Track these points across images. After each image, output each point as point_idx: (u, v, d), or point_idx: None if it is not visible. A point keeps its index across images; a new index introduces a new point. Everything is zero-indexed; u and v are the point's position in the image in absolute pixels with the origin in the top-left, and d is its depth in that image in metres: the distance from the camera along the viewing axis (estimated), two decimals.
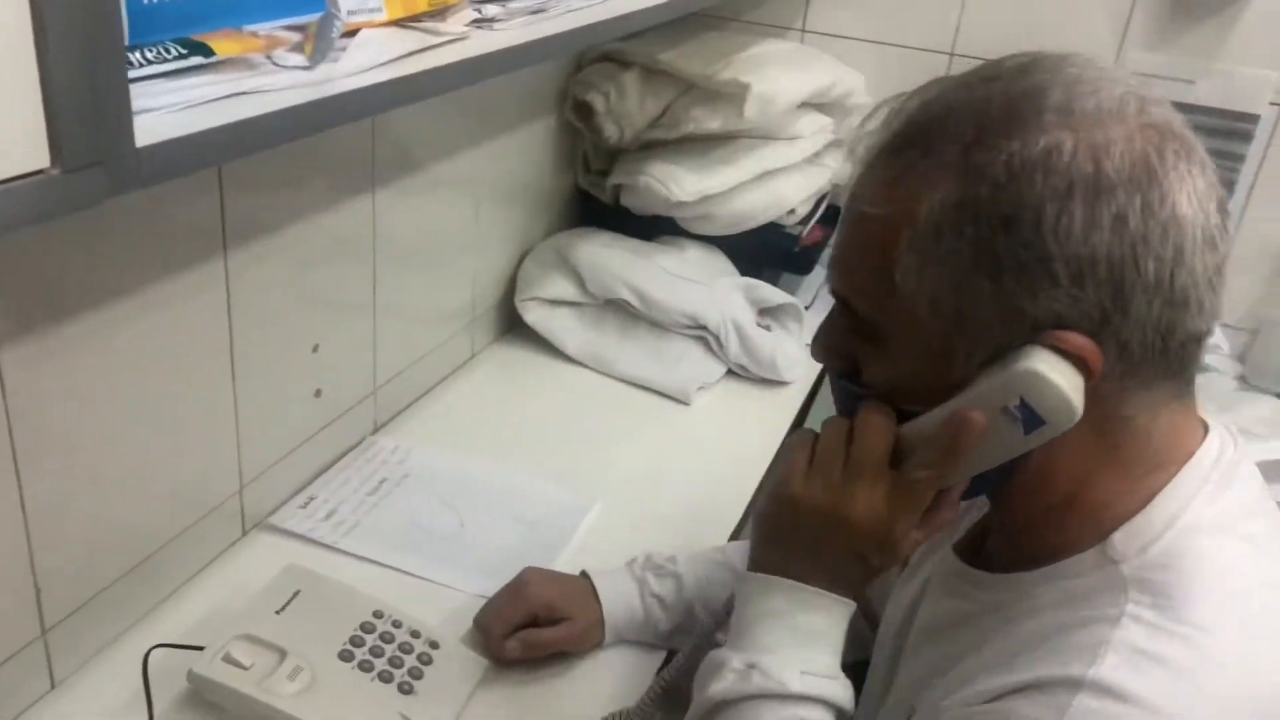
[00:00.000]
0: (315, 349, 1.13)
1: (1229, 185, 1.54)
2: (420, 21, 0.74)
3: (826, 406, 1.50)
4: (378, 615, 0.95)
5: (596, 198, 1.69)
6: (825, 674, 0.70)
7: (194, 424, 0.98)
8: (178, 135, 0.51)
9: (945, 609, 0.76)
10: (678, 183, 1.54)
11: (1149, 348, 0.61)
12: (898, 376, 0.69)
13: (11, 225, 0.42)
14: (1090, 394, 0.61)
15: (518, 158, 1.51)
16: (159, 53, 0.55)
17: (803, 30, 1.83)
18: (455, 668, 0.94)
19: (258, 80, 0.59)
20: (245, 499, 1.08)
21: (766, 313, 1.58)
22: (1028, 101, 0.61)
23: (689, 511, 1.24)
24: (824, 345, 0.74)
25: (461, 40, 0.76)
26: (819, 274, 1.91)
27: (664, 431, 1.41)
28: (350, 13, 0.66)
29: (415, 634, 0.95)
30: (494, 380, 1.48)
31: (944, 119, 0.63)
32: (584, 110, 1.58)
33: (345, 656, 0.90)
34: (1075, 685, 0.57)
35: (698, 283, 1.53)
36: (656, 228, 1.64)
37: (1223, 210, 0.62)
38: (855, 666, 0.77)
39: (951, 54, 1.75)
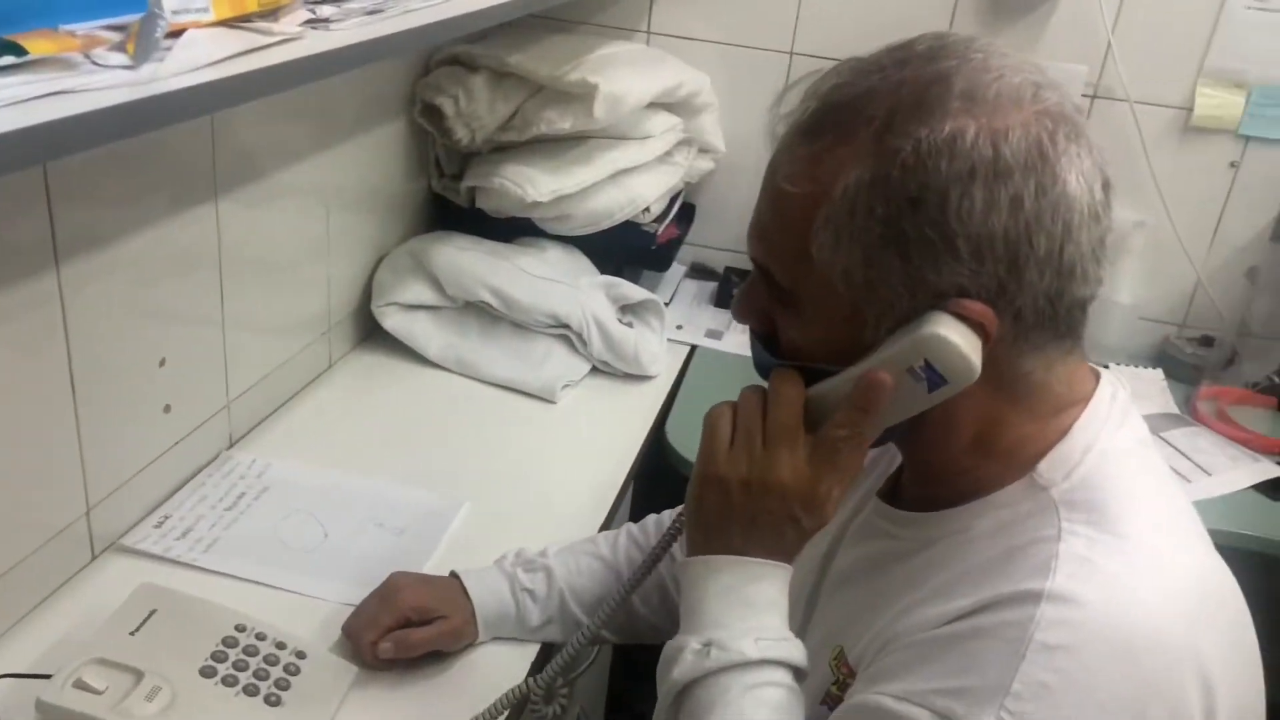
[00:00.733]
0: (162, 363, 1.10)
1: None
2: (250, 22, 0.73)
3: (691, 398, 1.54)
4: (240, 629, 0.93)
5: (452, 201, 1.69)
6: (778, 637, 0.72)
7: (31, 446, 0.94)
8: None
9: (869, 550, 0.81)
10: (532, 183, 1.56)
11: (1040, 313, 0.67)
12: (811, 339, 0.73)
13: None
14: (988, 355, 0.67)
15: (367, 163, 1.50)
16: None
17: (648, 32, 1.87)
18: (325, 676, 0.93)
19: (77, 79, 0.57)
20: (93, 521, 1.04)
21: (628, 309, 1.61)
22: (936, 87, 0.65)
23: (559, 507, 1.25)
24: (743, 308, 0.78)
25: (294, 40, 0.76)
26: (677, 270, 1.95)
27: (531, 430, 1.42)
28: (174, 12, 0.65)
29: (281, 645, 0.93)
30: (354, 388, 1.47)
31: (858, 102, 0.67)
32: (433, 114, 1.58)
33: (207, 672, 0.88)
34: (1035, 598, 0.63)
35: (558, 282, 1.55)
36: (514, 229, 1.65)
37: (1106, 187, 0.68)
38: None
39: (791, 53, 1.82)
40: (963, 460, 0.73)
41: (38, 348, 0.93)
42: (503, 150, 1.63)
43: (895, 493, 0.83)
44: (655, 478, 1.48)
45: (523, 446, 1.38)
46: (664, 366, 1.60)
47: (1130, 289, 1.77)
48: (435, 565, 1.11)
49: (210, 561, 1.08)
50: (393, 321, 1.53)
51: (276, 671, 0.91)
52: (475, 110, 1.56)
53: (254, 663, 0.90)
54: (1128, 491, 0.69)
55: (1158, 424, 1.60)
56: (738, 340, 1.76)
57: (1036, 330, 0.68)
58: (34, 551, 0.98)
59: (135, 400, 1.08)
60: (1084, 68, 1.71)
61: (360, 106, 1.44)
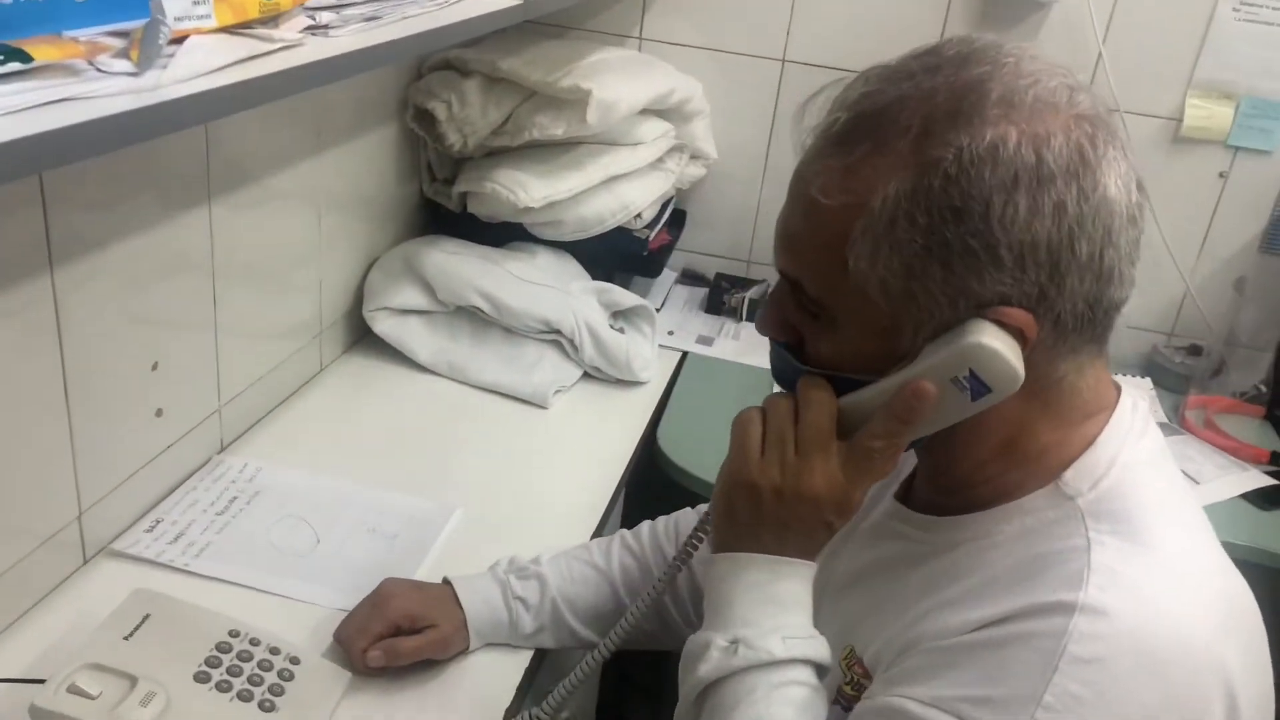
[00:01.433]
0: (155, 367, 1.10)
1: None
2: (251, 28, 0.73)
3: (682, 404, 1.54)
4: (234, 634, 0.92)
5: (444, 206, 1.69)
6: (805, 635, 0.72)
7: (23, 450, 0.94)
8: None
9: (884, 552, 0.81)
10: (524, 189, 1.56)
11: (1079, 318, 0.67)
12: (845, 350, 0.72)
13: None
14: (1025, 360, 0.67)
15: (360, 167, 1.50)
16: None
17: (640, 38, 1.87)
18: (318, 682, 0.93)
19: (83, 86, 0.57)
20: (85, 525, 1.04)
21: (619, 315, 1.61)
22: (972, 94, 0.64)
23: (551, 513, 1.26)
24: (771, 320, 0.77)
25: (295, 47, 0.76)
26: (669, 276, 1.96)
27: (522, 436, 1.42)
28: (177, 19, 0.65)
29: (275, 651, 0.93)
30: (345, 393, 1.46)
31: (891, 111, 0.66)
32: (425, 119, 1.58)
33: (201, 678, 0.88)
34: (1069, 609, 0.63)
35: (550, 287, 1.55)
36: (506, 234, 1.65)
37: (1141, 189, 0.68)
38: None
39: (783, 60, 1.83)
40: (988, 467, 0.73)
41: (31, 351, 0.92)
42: (495, 155, 1.64)
43: (908, 495, 0.83)
44: (647, 483, 1.48)
45: (514, 452, 1.38)
46: (655, 372, 1.60)
47: None
48: (427, 571, 1.11)
49: (202, 566, 1.07)
50: (384, 326, 1.52)
51: (270, 677, 0.90)
52: (468, 115, 1.56)
53: (248, 668, 0.90)
54: (1152, 503, 0.70)
55: None
56: (729, 346, 1.77)
57: (1074, 335, 0.68)
58: (26, 556, 0.97)
59: (127, 404, 1.08)
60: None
61: (353, 111, 1.44)
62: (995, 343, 0.66)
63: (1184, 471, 1.49)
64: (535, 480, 1.33)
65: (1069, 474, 0.71)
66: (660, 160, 1.76)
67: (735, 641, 0.71)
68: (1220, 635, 0.65)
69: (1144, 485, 0.71)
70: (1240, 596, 0.71)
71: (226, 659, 0.90)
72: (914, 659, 0.69)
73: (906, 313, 0.68)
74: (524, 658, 1.02)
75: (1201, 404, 1.71)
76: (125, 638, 0.88)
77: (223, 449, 1.28)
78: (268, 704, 0.88)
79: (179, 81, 0.63)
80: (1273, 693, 0.71)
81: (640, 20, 1.86)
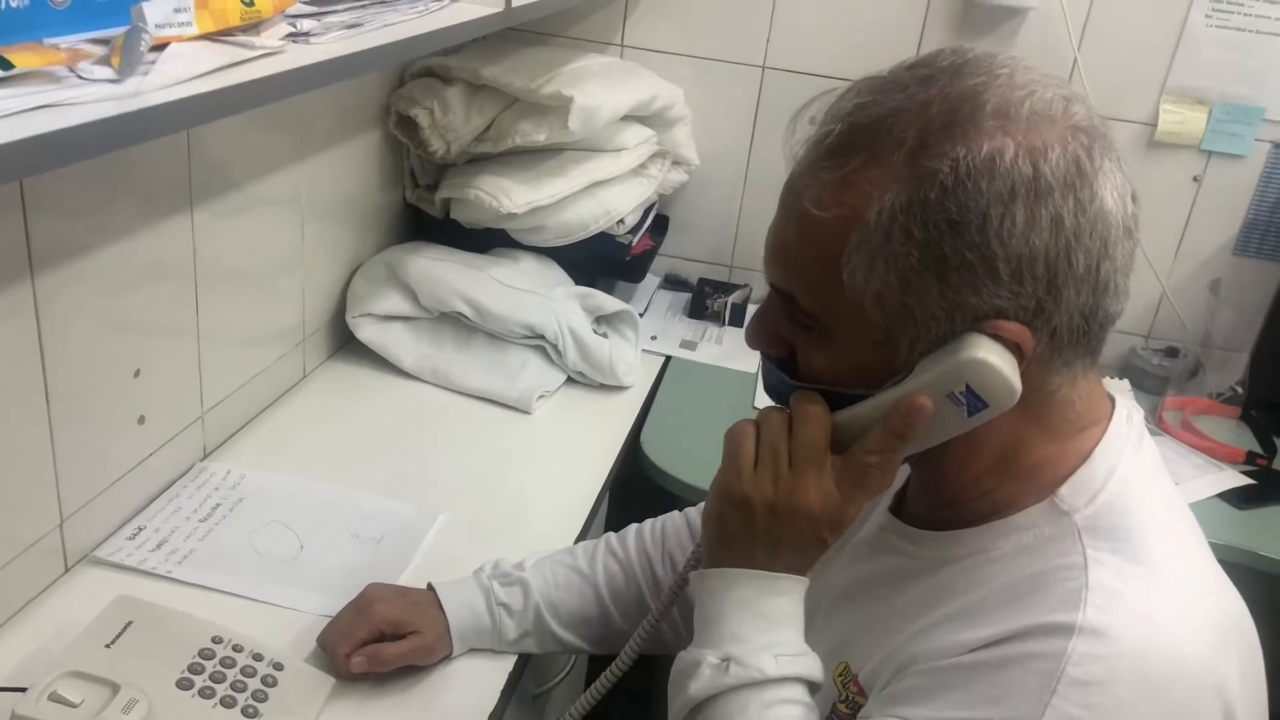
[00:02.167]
0: (137, 374, 1.10)
1: None
2: (233, 35, 0.74)
3: (665, 408, 1.55)
4: (217, 641, 0.92)
5: (427, 212, 1.69)
6: (796, 652, 0.72)
7: (3, 457, 0.94)
8: None
9: (878, 567, 0.80)
10: (507, 195, 1.56)
11: (1074, 331, 0.67)
12: (838, 364, 0.71)
13: None
14: (1020, 374, 0.66)
15: (342, 174, 1.50)
16: None
17: (621, 45, 1.88)
18: (301, 688, 0.93)
19: (63, 93, 0.58)
20: (66, 533, 1.04)
21: (603, 320, 1.62)
22: (967, 105, 0.64)
23: (535, 517, 1.26)
24: (761, 333, 0.76)
25: (276, 54, 0.76)
26: (651, 281, 1.97)
27: (506, 441, 1.43)
28: (159, 26, 0.65)
29: (258, 657, 0.93)
30: (329, 399, 1.46)
31: (886, 123, 0.65)
32: (408, 125, 1.58)
33: (184, 685, 0.87)
34: (1067, 631, 0.62)
35: (533, 293, 1.55)
36: (489, 240, 1.65)
37: (1135, 200, 0.67)
38: None
39: (763, 67, 1.84)
40: (983, 482, 0.73)
41: (11, 358, 0.92)
42: (477, 162, 1.64)
43: (900, 508, 0.82)
44: (631, 487, 1.49)
45: (498, 457, 1.38)
46: (639, 377, 1.61)
47: None
48: (411, 575, 1.11)
49: (185, 573, 1.07)
50: (367, 332, 1.52)
51: (254, 683, 0.90)
52: (450, 122, 1.57)
53: (231, 674, 0.90)
54: (1149, 519, 0.69)
55: None
56: (712, 351, 1.78)
57: (1069, 348, 0.68)
58: (6, 564, 0.97)
59: (109, 411, 1.08)
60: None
61: (335, 118, 1.45)
62: (992, 358, 0.65)
63: None
64: (519, 485, 1.33)
65: (1065, 489, 0.70)
66: (643, 166, 1.76)
67: (727, 659, 0.71)
68: (1218, 653, 0.65)
69: (1141, 501, 0.70)
70: (1236, 612, 0.70)
71: (209, 666, 0.90)
72: (911, 679, 0.68)
73: (902, 326, 0.67)
74: (508, 663, 1.02)
75: (1179, 405, 1.73)
76: (107, 645, 0.88)
77: (206, 456, 1.27)
78: (251, 710, 0.88)
79: (160, 88, 0.63)
80: (1266, 701, 0.71)
81: (622, 27, 1.87)
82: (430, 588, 1.02)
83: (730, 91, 1.86)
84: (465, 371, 1.51)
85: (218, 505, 1.18)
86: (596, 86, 1.58)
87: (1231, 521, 1.46)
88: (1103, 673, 0.61)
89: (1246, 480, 1.53)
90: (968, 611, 0.68)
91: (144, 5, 0.64)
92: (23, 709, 0.80)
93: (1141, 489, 0.71)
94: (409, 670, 0.98)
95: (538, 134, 1.56)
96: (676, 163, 1.87)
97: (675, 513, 1.10)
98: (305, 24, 0.83)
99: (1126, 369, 1.85)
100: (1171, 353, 1.84)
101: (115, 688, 0.83)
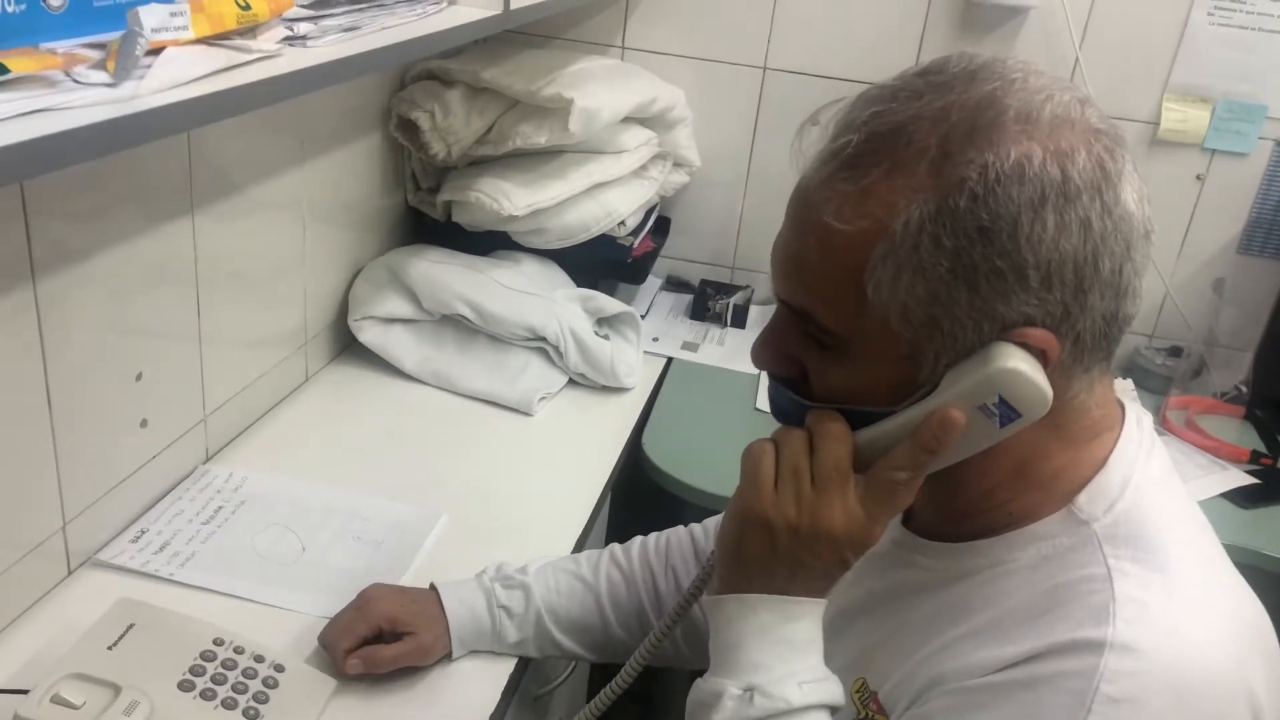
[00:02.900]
0: (139, 378, 1.10)
1: None
2: (229, 39, 0.74)
3: (667, 410, 1.55)
4: (218, 643, 0.93)
5: (428, 215, 1.69)
6: (819, 677, 0.70)
7: (6, 461, 0.94)
8: None
9: (893, 580, 0.79)
10: (508, 197, 1.56)
11: (1096, 335, 0.66)
12: (859, 381, 0.69)
13: None
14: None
15: (344, 177, 1.50)
16: None
17: (622, 47, 1.88)
18: (302, 689, 0.93)
19: (59, 97, 0.58)
20: (69, 536, 1.04)
21: (604, 322, 1.62)
22: (988, 111, 0.63)
23: (536, 519, 1.26)
24: (770, 353, 0.74)
25: (273, 58, 0.76)
26: (653, 283, 1.97)
27: (508, 443, 1.43)
28: (154, 30, 0.65)
29: (259, 659, 0.93)
30: (331, 402, 1.47)
31: (905, 131, 0.64)
32: (409, 128, 1.59)
33: (186, 687, 0.88)
34: (1098, 647, 0.62)
35: (534, 295, 1.56)
36: (490, 243, 1.66)
37: (1150, 202, 0.66)
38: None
39: (764, 68, 1.84)
40: (1000, 493, 0.71)
41: (13, 362, 0.93)
42: (479, 164, 1.64)
43: (909, 519, 0.81)
44: (632, 489, 1.49)
45: (500, 459, 1.39)
46: (640, 379, 1.61)
47: None
48: (412, 577, 1.11)
49: (187, 575, 1.07)
50: (369, 335, 1.53)
51: (255, 684, 0.91)
52: (451, 125, 1.57)
53: (232, 676, 0.90)
54: (1167, 527, 0.69)
55: None
56: (714, 352, 1.78)
57: (1090, 353, 0.67)
58: (10, 567, 0.97)
59: (111, 414, 1.08)
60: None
61: (336, 121, 1.45)
62: (1024, 366, 0.64)
63: None
64: (520, 486, 1.33)
65: (1082, 498, 0.69)
66: (644, 168, 1.77)
67: (750, 689, 0.69)
68: (1244, 660, 0.64)
69: (1158, 507, 0.69)
70: (1257, 617, 0.70)
71: (211, 667, 0.90)
72: (939, 699, 0.67)
73: (928, 339, 0.65)
74: (509, 664, 1.02)
75: (1182, 405, 1.72)
76: (109, 647, 0.88)
77: (208, 459, 1.28)
78: (252, 712, 0.88)
79: (155, 92, 0.63)
80: None
81: (622, 29, 1.87)
82: (432, 588, 1.02)
83: (731, 93, 1.86)
84: (467, 374, 1.52)
85: (220, 508, 1.19)
86: (597, 88, 1.59)
87: (1236, 521, 1.45)
88: (1136, 689, 0.61)
89: (1251, 480, 1.53)
90: (991, 627, 0.67)
91: (140, 10, 0.64)
92: (25, 711, 0.81)
93: (1158, 495, 0.70)
94: (410, 671, 0.98)
95: (538, 136, 1.56)
96: (678, 164, 1.88)
97: (680, 527, 1.09)
98: (302, 27, 0.83)
99: (1130, 368, 1.85)
100: (1175, 352, 1.84)
101: (117, 690, 0.84)
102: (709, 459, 1.43)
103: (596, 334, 1.57)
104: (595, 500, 1.32)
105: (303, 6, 0.86)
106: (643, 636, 1.01)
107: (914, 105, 0.65)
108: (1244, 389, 1.77)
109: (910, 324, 0.65)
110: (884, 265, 0.64)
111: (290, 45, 0.80)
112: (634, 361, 1.60)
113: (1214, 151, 1.76)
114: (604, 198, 1.67)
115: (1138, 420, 0.74)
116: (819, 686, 0.70)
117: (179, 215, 1.12)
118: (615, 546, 1.09)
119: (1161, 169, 1.77)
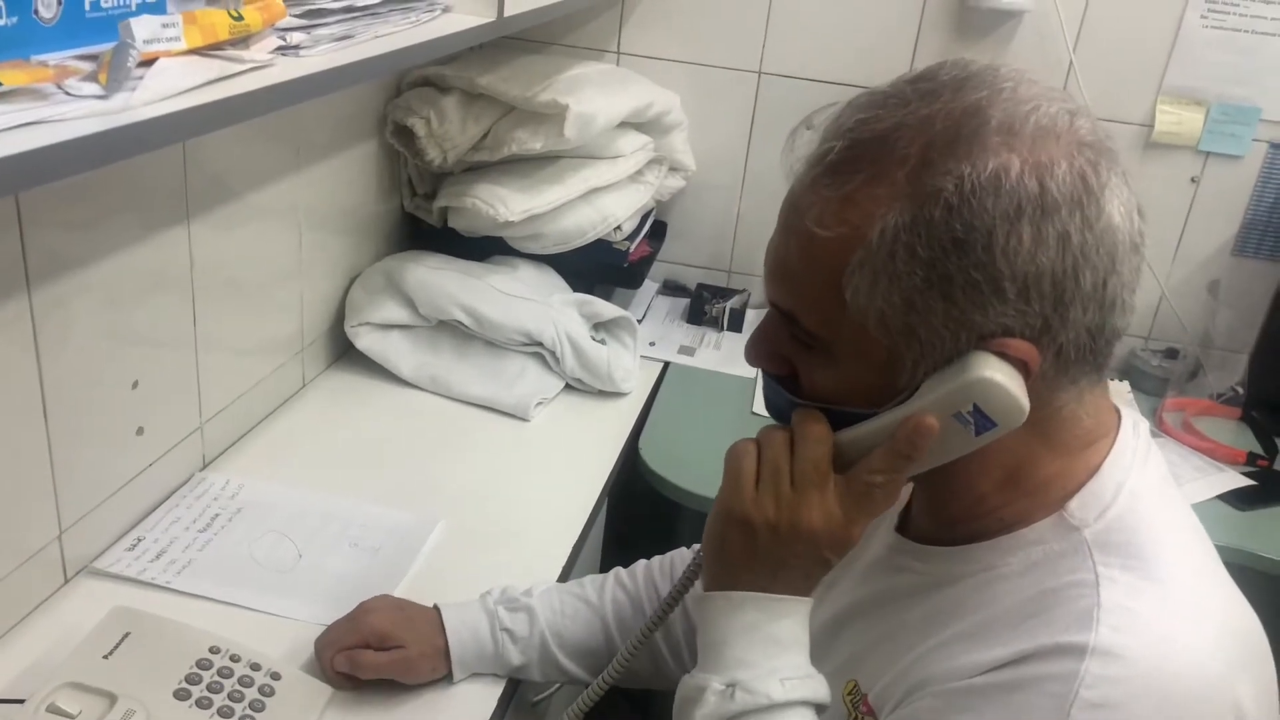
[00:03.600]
0: (135, 385, 1.10)
1: None
2: (221, 50, 0.74)
3: (664, 415, 1.55)
4: (214, 650, 0.93)
5: (424, 221, 1.70)
6: (803, 675, 0.71)
7: (2, 469, 0.94)
8: None
9: (885, 584, 0.79)
10: (504, 203, 1.57)
11: (1081, 348, 0.66)
12: (841, 384, 0.70)
13: None
14: (1027, 392, 0.66)
15: (340, 184, 1.51)
16: None
17: (618, 52, 1.88)
18: (298, 697, 0.93)
19: (51, 109, 0.58)
20: (65, 544, 1.04)
21: (601, 327, 1.62)
22: (971, 121, 0.63)
23: (534, 525, 1.26)
24: (761, 351, 0.75)
25: (265, 68, 0.77)
26: (650, 287, 1.97)
27: (505, 448, 1.43)
28: (146, 41, 0.65)
29: (255, 666, 0.93)
30: (328, 408, 1.47)
31: (888, 139, 0.64)
32: (405, 135, 1.59)
33: (181, 695, 0.88)
34: (1080, 652, 0.62)
35: (531, 300, 1.56)
36: (487, 248, 1.66)
37: (1141, 215, 0.66)
38: None
39: (759, 72, 1.84)
40: (990, 499, 0.72)
41: (9, 370, 0.93)
42: (475, 170, 1.65)
43: (904, 524, 0.82)
44: (629, 493, 1.49)
45: (497, 464, 1.39)
46: (637, 383, 1.61)
47: None
48: (409, 583, 1.12)
49: (184, 583, 1.07)
50: (366, 341, 1.53)
51: (251, 693, 0.91)
52: (447, 131, 1.57)
53: (228, 684, 0.90)
54: (1160, 534, 0.68)
55: None
56: (711, 356, 1.78)
57: (1076, 365, 0.67)
58: (5, 575, 0.97)
59: (108, 423, 1.08)
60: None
61: (332, 128, 1.45)
62: (1000, 377, 0.64)
63: None
64: (518, 492, 1.33)
65: (1074, 504, 0.69)
66: (639, 173, 1.77)
67: (732, 685, 0.70)
68: (1232, 670, 0.64)
69: (1151, 515, 0.69)
70: (1248, 626, 0.70)
71: (207, 675, 0.90)
72: (924, 700, 0.67)
73: (906, 346, 0.66)
74: (502, 681, 1.01)
75: (1179, 406, 1.72)
76: (105, 656, 0.88)
77: (205, 466, 1.28)
78: (248, 719, 0.89)
79: (148, 103, 0.63)
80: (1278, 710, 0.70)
81: (617, 34, 1.88)
82: (436, 609, 1.01)
83: (726, 97, 1.86)
84: (464, 379, 1.52)
85: (216, 515, 1.19)
86: (592, 94, 1.59)
87: (1232, 523, 1.45)
88: (1117, 695, 0.61)
89: (1247, 481, 1.53)
90: (978, 630, 0.68)
91: (132, 21, 0.64)
92: None
93: (1151, 502, 0.70)
94: (407, 685, 0.98)
95: (534, 142, 1.57)
96: (673, 169, 1.88)
97: (684, 548, 1.10)
98: (295, 37, 0.83)
99: (1126, 371, 1.85)
100: (1171, 354, 1.84)
101: (113, 698, 0.84)
102: (706, 463, 1.41)
103: (593, 339, 1.58)
104: (592, 505, 1.32)
105: (296, 16, 0.86)
106: (649, 658, 1.02)
107: (900, 113, 0.65)
108: (1240, 390, 1.77)
109: (888, 331, 0.66)
110: (861, 273, 0.65)
111: (283, 55, 0.80)
112: (631, 366, 1.60)
113: (1208, 154, 1.77)
114: (600, 203, 1.67)
115: (1134, 427, 0.74)
116: (802, 683, 0.70)
117: (174, 223, 1.12)
118: (620, 570, 1.08)
119: (1156, 171, 1.77)
